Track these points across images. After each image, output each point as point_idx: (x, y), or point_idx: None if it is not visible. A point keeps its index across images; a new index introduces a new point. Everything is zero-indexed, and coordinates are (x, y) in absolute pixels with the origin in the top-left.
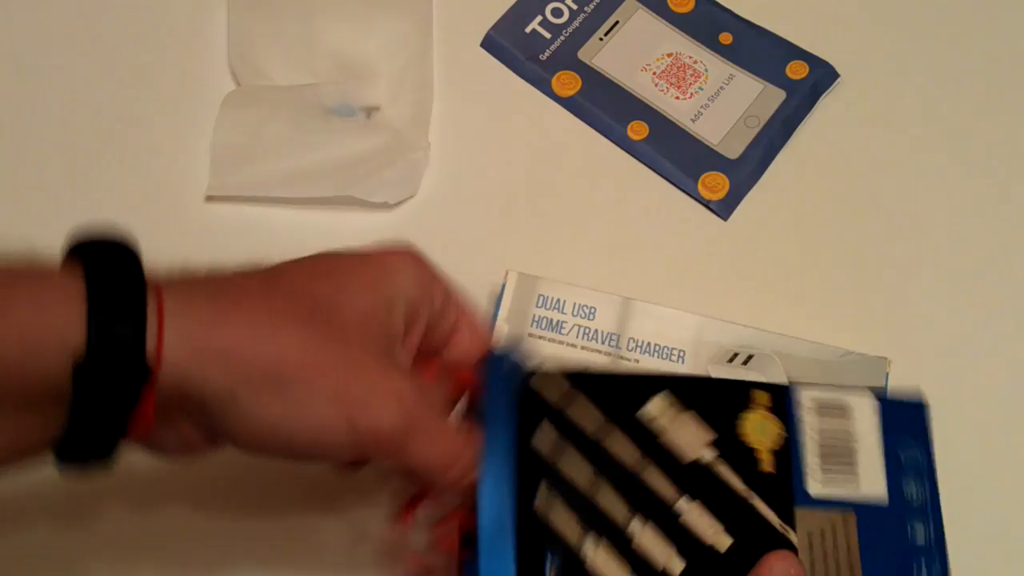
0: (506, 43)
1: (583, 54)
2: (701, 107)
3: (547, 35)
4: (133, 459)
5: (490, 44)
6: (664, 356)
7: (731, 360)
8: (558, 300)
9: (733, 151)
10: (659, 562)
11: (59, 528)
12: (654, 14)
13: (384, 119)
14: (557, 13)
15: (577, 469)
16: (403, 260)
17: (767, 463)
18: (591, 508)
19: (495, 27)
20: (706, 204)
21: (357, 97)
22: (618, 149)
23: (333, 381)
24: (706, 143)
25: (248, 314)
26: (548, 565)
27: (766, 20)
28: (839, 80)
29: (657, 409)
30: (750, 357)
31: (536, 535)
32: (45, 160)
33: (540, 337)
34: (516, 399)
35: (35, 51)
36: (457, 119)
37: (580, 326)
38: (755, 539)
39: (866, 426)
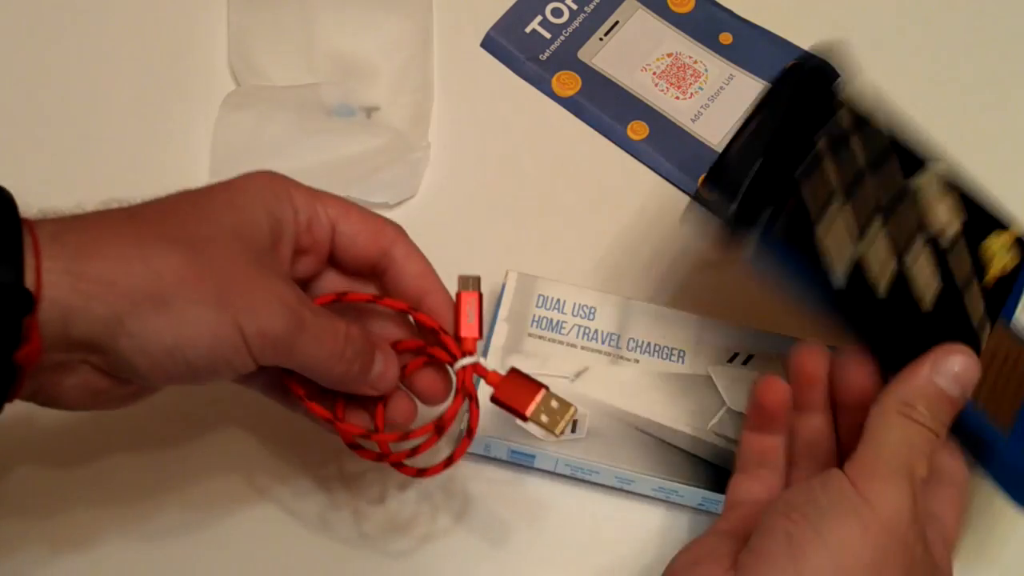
0: (506, 43)
1: (583, 54)
2: (701, 107)
3: (547, 35)
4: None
5: (490, 44)
6: (664, 356)
7: (731, 360)
8: (558, 300)
9: None
10: (874, 269)
11: None
12: (654, 14)
13: (384, 119)
14: (557, 13)
15: (845, 165)
16: (255, 177)
17: (993, 274)
18: (844, 188)
19: (495, 27)
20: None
21: (357, 97)
22: (618, 149)
23: (213, 290)
24: (706, 143)
25: (117, 241)
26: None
27: (766, 20)
28: (838, 80)
29: (926, 180)
30: (750, 357)
31: (781, 192)
32: (45, 160)
33: (540, 337)
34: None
35: (35, 52)
36: (457, 119)
37: (580, 326)
38: (952, 320)
39: None
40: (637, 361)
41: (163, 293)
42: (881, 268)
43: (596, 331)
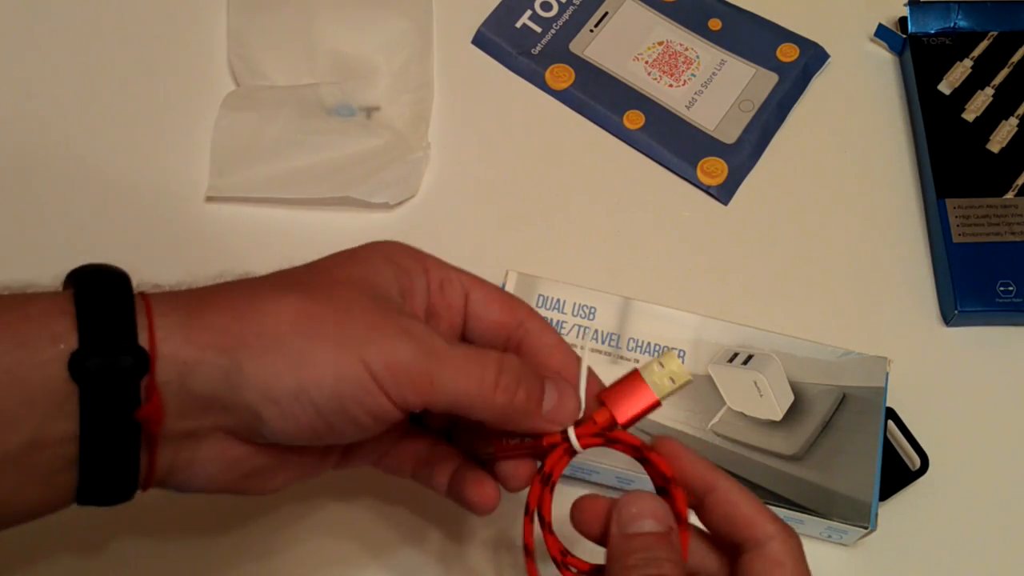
0: (497, 39)
1: (574, 46)
2: (695, 93)
3: (537, 29)
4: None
5: (481, 41)
6: None
7: (731, 360)
8: (558, 300)
9: (729, 136)
10: None
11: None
12: (642, 3)
13: (384, 119)
14: (546, 7)
15: None
16: (384, 241)
17: None
18: None
19: (485, 23)
20: (706, 190)
21: (357, 97)
22: (616, 139)
23: (332, 328)
24: (702, 129)
25: (230, 296)
26: None
27: (753, 4)
28: (829, 61)
29: None
30: (750, 357)
31: None
32: (45, 160)
33: None
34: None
35: (35, 52)
36: (454, 118)
37: (580, 326)
38: None
39: None
40: (637, 361)
41: (279, 333)
42: None
43: (596, 331)
